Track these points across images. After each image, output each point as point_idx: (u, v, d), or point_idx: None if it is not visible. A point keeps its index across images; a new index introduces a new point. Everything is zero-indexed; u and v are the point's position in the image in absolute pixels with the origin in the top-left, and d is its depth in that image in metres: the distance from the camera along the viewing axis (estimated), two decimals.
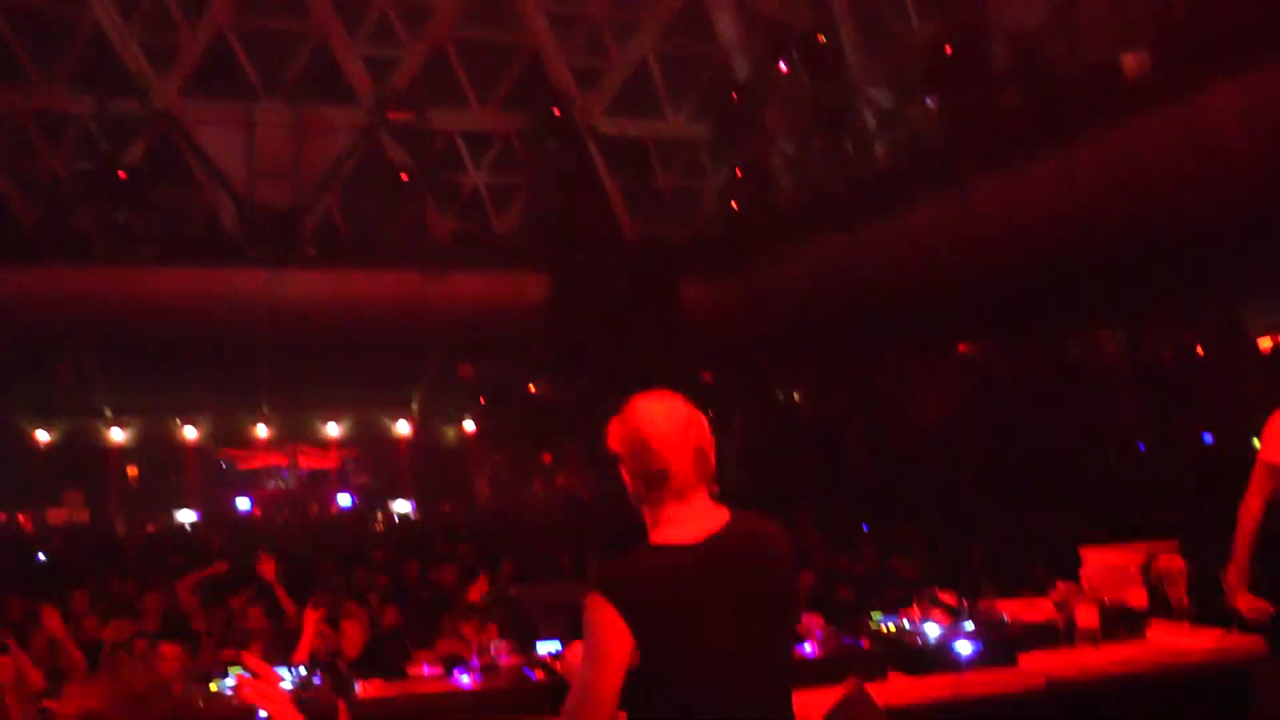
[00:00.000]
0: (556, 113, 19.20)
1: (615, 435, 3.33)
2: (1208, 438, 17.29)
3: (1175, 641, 4.67)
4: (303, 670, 4.87)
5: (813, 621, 4.68)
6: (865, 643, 4.55)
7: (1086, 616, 4.65)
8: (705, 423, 3.33)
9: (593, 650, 3.15)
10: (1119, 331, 19.12)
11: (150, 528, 23.41)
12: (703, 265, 19.46)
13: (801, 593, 3.46)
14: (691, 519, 3.24)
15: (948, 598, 5.02)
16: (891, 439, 20.39)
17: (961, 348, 20.64)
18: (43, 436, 25.11)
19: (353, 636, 7.66)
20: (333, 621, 7.97)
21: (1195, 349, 18.84)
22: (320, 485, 27.26)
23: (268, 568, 8.95)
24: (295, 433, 26.93)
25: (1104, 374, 19.25)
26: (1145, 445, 17.88)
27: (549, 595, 9.18)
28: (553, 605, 8.16)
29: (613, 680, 3.13)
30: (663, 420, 3.26)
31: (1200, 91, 11.38)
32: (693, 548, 3.20)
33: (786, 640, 3.43)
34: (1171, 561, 4.93)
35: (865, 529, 14.80)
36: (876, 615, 5.11)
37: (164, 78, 18.54)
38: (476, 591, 8.72)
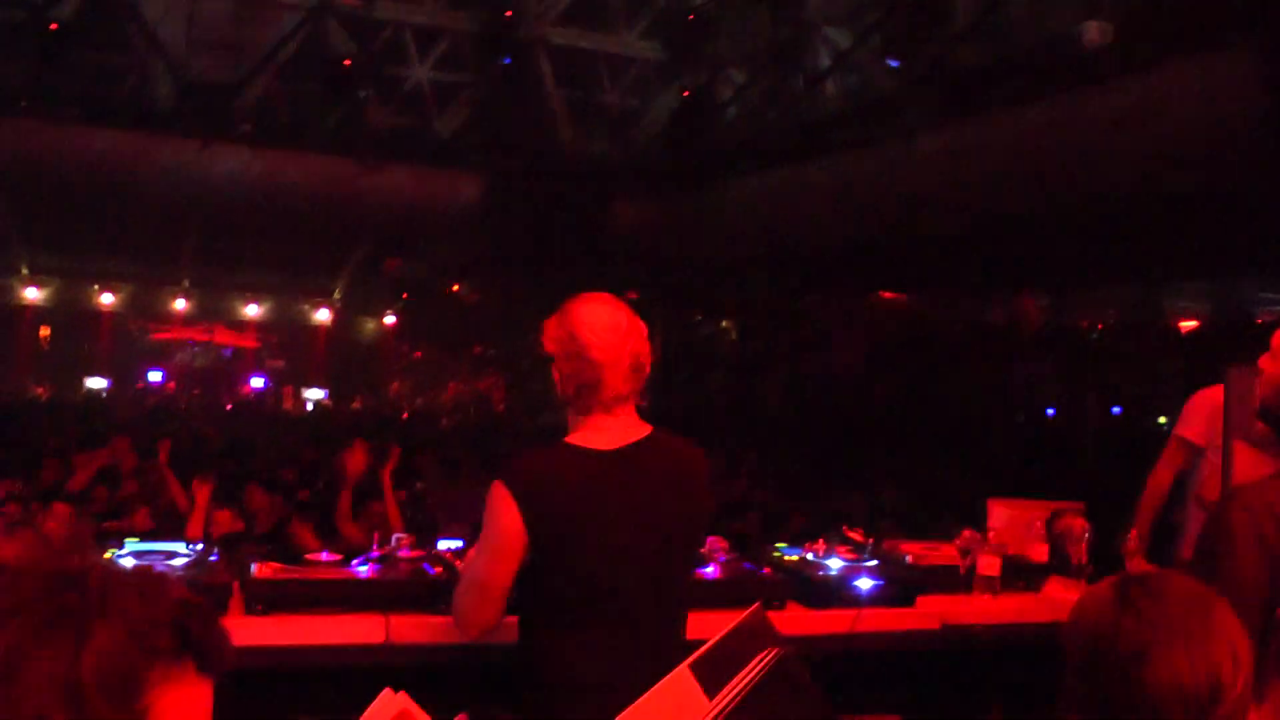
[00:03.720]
0: (508, 15, 18.92)
1: (551, 336, 3.20)
2: (1116, 410, 17.61)
3: (1070, 596, 4.74)
4: (199, 546, 4.78)
5: (716, 544, 4.66)
6: (767, 570, 4.54)
7: (988, 565, 4.69)
8: (645, 333, 3.24)
9: (486, 537, 3.12)
10: (1043, 298, 19.32)
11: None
12: (639, 185, 19.36)
13: (711, 516, 3.42)
14: (614, 429, 3.18)
15: (853, 534, 5.03)
16: (807, 377, 20.51)
17: (885, 294, 20.77)
18: None
19: (262, 516, 7.59)
20: (228, 500, 7.89)
21: (1112, 323, 19.14)
22: (235, 365, 27.04)
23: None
24: (214, 310, 26.70)
25: (1022, 337, 19.47)
26: (1055, 411, 18.14)
27: (455, 496, 9.15)
28: (458, 505, 8.13)
29: (502, 569, 3.09)
30: (603, 329, 3.15)
31: (1157, 69, 11.41)
32: (606, 454, 3.14)
33: (687, 557, 3.36)
34: (1075, 521, 4.99)
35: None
36: (781, 545, 5.11)
37: None
38: (356, 464, 7.92)
